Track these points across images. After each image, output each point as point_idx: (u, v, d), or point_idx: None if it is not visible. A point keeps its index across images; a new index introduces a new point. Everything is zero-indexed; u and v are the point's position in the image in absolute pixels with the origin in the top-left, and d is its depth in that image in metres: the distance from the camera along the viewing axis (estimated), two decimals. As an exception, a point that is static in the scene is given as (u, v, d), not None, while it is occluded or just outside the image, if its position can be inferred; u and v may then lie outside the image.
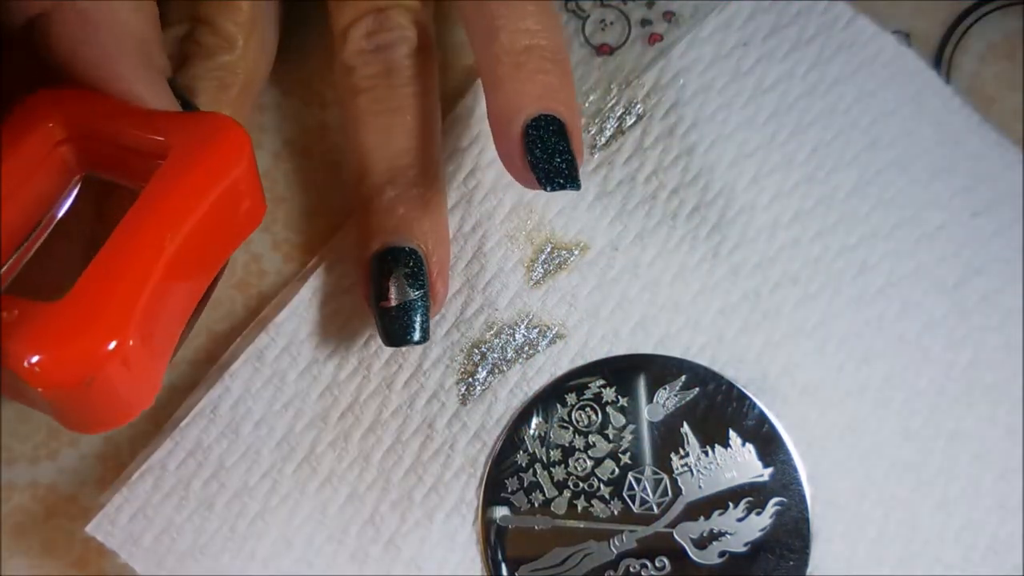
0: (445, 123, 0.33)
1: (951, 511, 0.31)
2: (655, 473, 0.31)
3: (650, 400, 0.31)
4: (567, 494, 0.31)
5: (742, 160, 0.33)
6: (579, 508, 0.31)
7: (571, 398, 0.31)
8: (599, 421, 0.31)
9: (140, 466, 0.30)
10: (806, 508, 0.31)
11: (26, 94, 0.25)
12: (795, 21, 0.34)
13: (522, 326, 0.32)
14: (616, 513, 0.31)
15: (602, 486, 0.31)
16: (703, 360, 0.32)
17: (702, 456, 0.31)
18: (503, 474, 0.31)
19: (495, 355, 0.32)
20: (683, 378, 0.32)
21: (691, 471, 0.31)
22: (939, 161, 0.34)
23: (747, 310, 0.32)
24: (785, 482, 0.31)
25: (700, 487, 0.31)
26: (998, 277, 0.33)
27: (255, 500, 0.30)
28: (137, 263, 0.22)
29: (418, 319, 0.29)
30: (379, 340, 0.31)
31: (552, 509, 0.31)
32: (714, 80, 0.34)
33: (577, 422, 0.31)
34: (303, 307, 0.31)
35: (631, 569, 0.30)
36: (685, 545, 0.30)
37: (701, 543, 0.30)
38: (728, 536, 0.30)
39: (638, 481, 0.31)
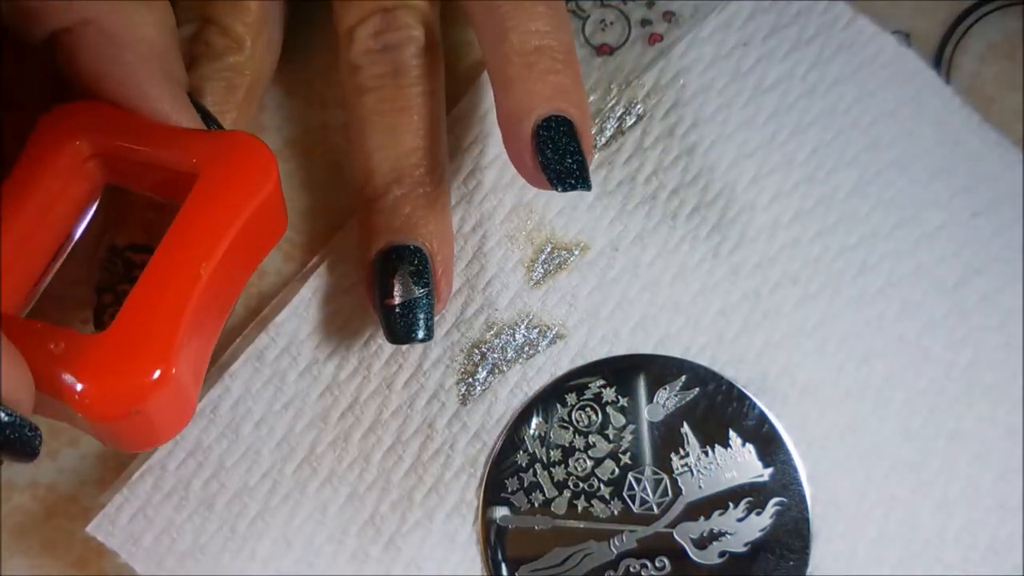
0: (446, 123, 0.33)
1: (951, 511, 0.31)
2: (655, 473, 0.31)
3: (650, 400, 0.31)
4: (567, 494, 0.31)
5: (742, 160, 0.33)
6: (579, 508, 0.31)
7: (571, 398, 0.31)
8: (599, 421, 0.31)
9: (140, 466, 0.30)
10: (806, 508, 0.31)
11: (47, 107, 0.25)
12: (795, 21, 0.34)
13: (522, 326, 0.32)
14: (616, 513, 0.31)
15: (602, 486, 0.31)
16: (703, 360, 0.32)
17: (702, 456, 0.31)
18: (503, 474, 0.31)
19: (495, 355, 0.32)
20: (683, 378, 0.32)
21: (691, 471, 0.31)
22: (939, 161, 0.34)
23: (747, 310, 0.32)
24: (785, 482, 0.31)
25: (700, 487, 0.31)
26: (998, 277, 0.33)
27: (255, 500, 0.30)
28: (176, 292, 0.23)
29: (422, 317, 0.29)
30: (380, 340, 0.31)
31: (552, 509, 0.31)
32: (714, 80, 0.34)
33: (577, 422, 0.31)
34: (303, 307, 0.31)
35: (631, 569, 0.30)
36: (685, 545, 0.30)
37: (701, 543, 0.30)
38: (728, 536, 0.30)
39: (638, 481, 0.31)
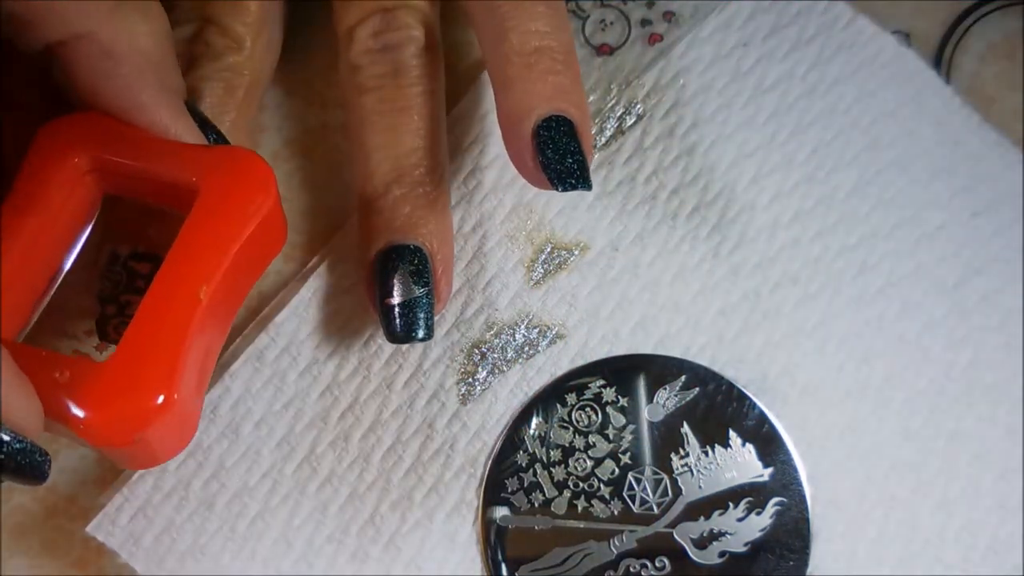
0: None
1: (951, 511, 0.31)
2: (655, 473, 0.31)
3: (650, 400, 0.31)
4: (567, 494, 0.31)
5: (742, 160, 0.33)
6: (579, 508, 0.31)
7: (571, 398, 0.31)
8: (599, 421, 0.31)
9: (140, 466, 0.30)
10: (806, 508, 0.31)
11: (48, 110, 0.25)
12: (795, 21, 0.34)
13: (522, 326, 0.32)
14: (616, 513, 0.31)
15: (602, 486, 0.31)
16: (703, 360, 0.32)
17: (702, 456, 0.31)
18: (503, 474, 0.31)
19: (495, 355, 0.32)
20: (683, 378, 0.32)
21: (691, 471, 0.31)
22: (939, 161, 0.34)
23: (747, 310, 0.32)
24: (785, 482, 0.31)
25: (700, 487, 0.31)
26: (998, 277, 0.33)
27: (255, 500, 0.30)
28: (177, 316, 0.23)
29: (422, 316, 0.29)
30: (380, 340, 0.31)
31: (552, 509, 0.31)
32: (714, 80, 0.34)
33: (577, 422, 0.31)
34: (303, 307, 0.31)
35: (631, 569, 0.30)
36: (685, 545, 0.30)
37: (701, 543, 0.30)
38: (728, 536, 0.30)
39: (638, 481, 0.31)
